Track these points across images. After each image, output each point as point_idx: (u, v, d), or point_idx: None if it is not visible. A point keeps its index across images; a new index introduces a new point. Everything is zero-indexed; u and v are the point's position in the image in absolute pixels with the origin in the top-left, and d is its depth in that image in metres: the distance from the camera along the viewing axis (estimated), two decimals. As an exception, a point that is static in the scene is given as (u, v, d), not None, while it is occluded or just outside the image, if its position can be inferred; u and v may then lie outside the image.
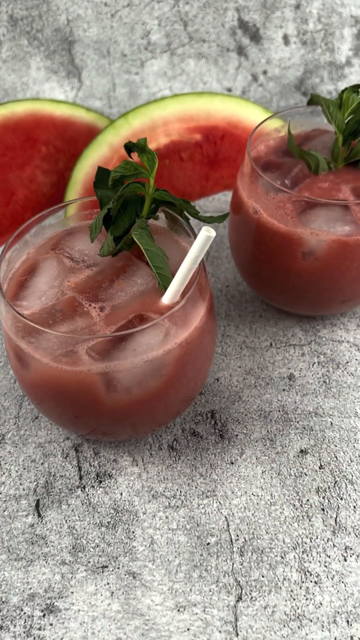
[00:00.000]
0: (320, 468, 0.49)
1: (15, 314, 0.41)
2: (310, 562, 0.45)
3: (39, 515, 0.47)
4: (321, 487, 0.48)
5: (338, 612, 0.42)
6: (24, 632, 0.43)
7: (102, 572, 0.45)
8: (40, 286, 0.45)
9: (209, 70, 0.80)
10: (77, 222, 0.50)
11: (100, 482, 0.49)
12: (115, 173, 0.44)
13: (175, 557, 0.45)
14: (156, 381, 0.43)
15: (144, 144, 0.44)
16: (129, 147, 0.44)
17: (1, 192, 0.69)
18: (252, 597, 0.43)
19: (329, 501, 0.47)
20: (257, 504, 0.47)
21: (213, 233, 0.40)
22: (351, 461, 0.49)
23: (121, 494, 0.48)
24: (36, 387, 0.44)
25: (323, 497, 0.47)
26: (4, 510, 0.48)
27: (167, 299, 0.43)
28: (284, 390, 0.53)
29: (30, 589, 0.44)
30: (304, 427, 0.51)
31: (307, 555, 0.45)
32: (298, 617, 0.42)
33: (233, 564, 0.45)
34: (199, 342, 0.45)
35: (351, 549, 0.45)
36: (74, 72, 0.79)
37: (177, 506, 0.47)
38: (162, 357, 0.42)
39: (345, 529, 0.46)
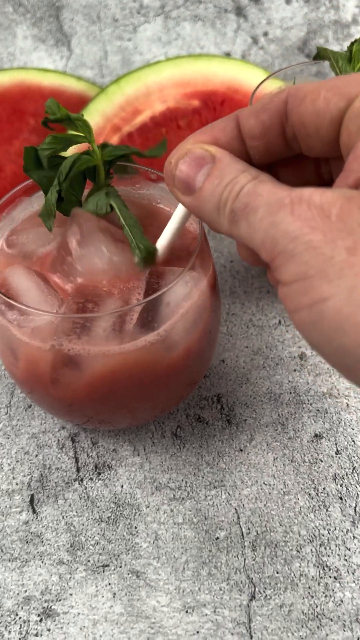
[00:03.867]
0: (336, 453, 0.45)
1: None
2: (328, 556, 0.41)
3: (34, 512, 0.44)
4: (338, 474, 0.44)
5: (361, 610, 0.39)
6: (19, 639, 0.39)
7: (103, 571, 0.41)
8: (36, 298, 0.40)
9: (206, 33, 0.75)
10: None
11: (99, 474, 0.45)
12: (45, 151, 0.39)
13: (182, 553, 0.42)
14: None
15: (65, 114, 0.39)
16: (45, 122, 0.39)
17: (-12, 167, 0.65)
18: (266, 596, 0.40)
19: (347, 489, 0.44)
20: (269, 493, 0.44)
21: None
22: (370, 445, 0.45)
23: (122, 486, 0.45)
24: (27, 375, 0.40)
25: (341, 485, 0.44)
26: (-4, 507, 0.44)
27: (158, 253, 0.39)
28: (295, 370, 0.50)
29: (26, 591, 0.41)
30: (318, 410, 0.47)
31: (325, 549, 0.41)
32: (317, 617, 0.39)
33: (245, 559, 0.41)
34: (200, 321, 0.41)
35: (373, 540, 0.41)
36: (62, 40, 0.75)
37: (183, 498, 0.44)
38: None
39: (366, 519, 0.42)
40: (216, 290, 0.43)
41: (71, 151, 0.54)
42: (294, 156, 0.33)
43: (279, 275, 0.28)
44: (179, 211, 0.38)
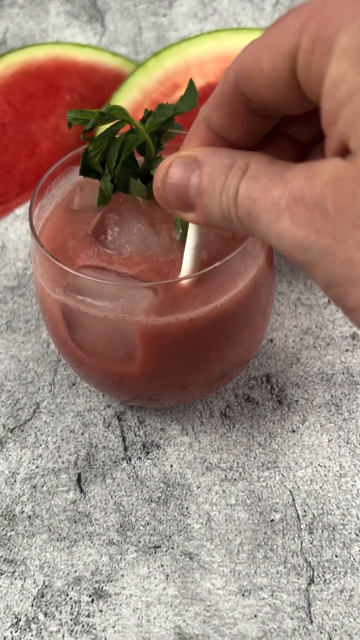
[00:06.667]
0: (393, 435, 0.44)
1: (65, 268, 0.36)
2: (389, 540, 0.40)
3: (82, 491, 0.43)
4: None
5: None
6: (71, 620, 0.38)
7: (155, 552, 0.40)
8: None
9: (244, 8, 0.73)
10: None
11: (147, 453, 0.44)
12: (93, 155, 0.38)
13: (236, 535, 0.40)
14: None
15: (95, 113, 0.37)
16: (84, 134, 0.37)
17: (24, 144, 0.63)
18: (325, 580, 0.39)
19: None
20: (325, 475, 0.42)
21: None
22: None
23: (171, 465, 0.43)
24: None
25: None
26: (43, 486, 0.43)
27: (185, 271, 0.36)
28: (347, 350, 0.48)
29: (76, 571, 0.40)
30: (373, 391, 0.46)
31: (386, 532, 0.40)
32: (379, 602, 0.38)
33: (302, 542, 0.40)
34: (256, 296, 0.40)
35: None
36: (96, 16, 0.73)
37: (235, 479, 0.42)
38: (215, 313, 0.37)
39: None
40: (272, 265, 0.42)
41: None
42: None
43: (315, 282, 0.27)
44: (192, 227, 0.34)
